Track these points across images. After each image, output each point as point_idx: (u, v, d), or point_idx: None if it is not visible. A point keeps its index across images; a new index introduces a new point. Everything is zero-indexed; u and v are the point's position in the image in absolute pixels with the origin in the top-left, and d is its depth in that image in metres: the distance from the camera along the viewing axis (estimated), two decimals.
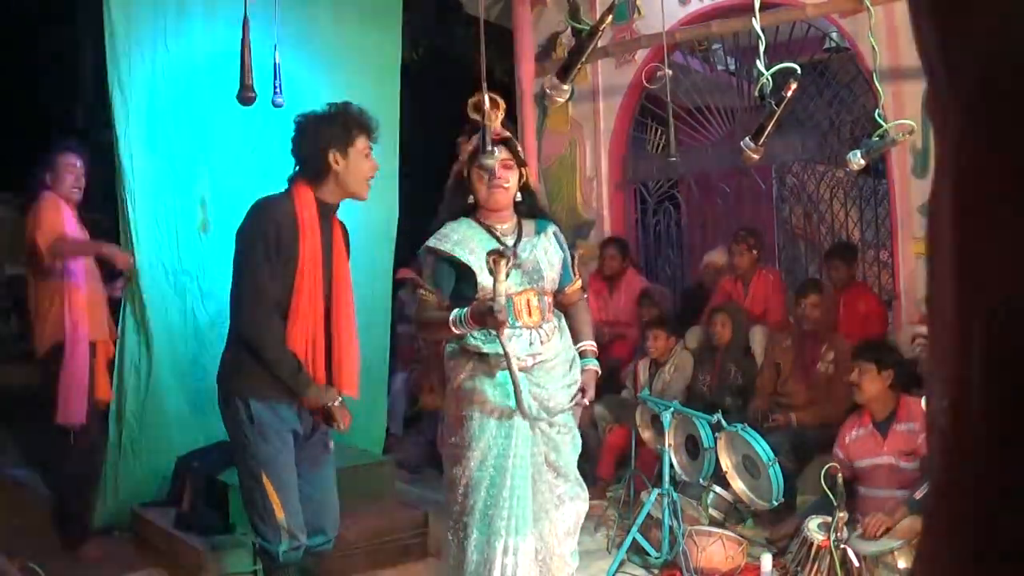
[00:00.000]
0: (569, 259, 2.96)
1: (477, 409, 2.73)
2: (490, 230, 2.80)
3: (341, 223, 3.00)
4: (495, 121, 2.71)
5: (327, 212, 2.88)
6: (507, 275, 2.62)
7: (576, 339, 2.95)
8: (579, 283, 3.02)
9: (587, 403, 2.91)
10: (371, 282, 5.13)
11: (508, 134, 2.78)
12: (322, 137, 2.81)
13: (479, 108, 2.72)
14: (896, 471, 3.70)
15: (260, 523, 2.79)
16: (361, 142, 2.84)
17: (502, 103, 2.76)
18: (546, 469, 2.79)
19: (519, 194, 2.84)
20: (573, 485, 2.86)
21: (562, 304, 2.96)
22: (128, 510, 4.24)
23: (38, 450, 4.79)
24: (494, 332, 2.64)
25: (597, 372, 2.95)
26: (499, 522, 2.66)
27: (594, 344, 2.99)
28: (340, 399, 2.80)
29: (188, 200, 4.43)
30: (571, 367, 2.84)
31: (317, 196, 2.83)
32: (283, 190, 2.89)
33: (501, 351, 2.67)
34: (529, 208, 2.90)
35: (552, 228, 2.90)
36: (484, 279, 2.68)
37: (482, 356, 2.74)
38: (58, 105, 10.19)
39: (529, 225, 2.88)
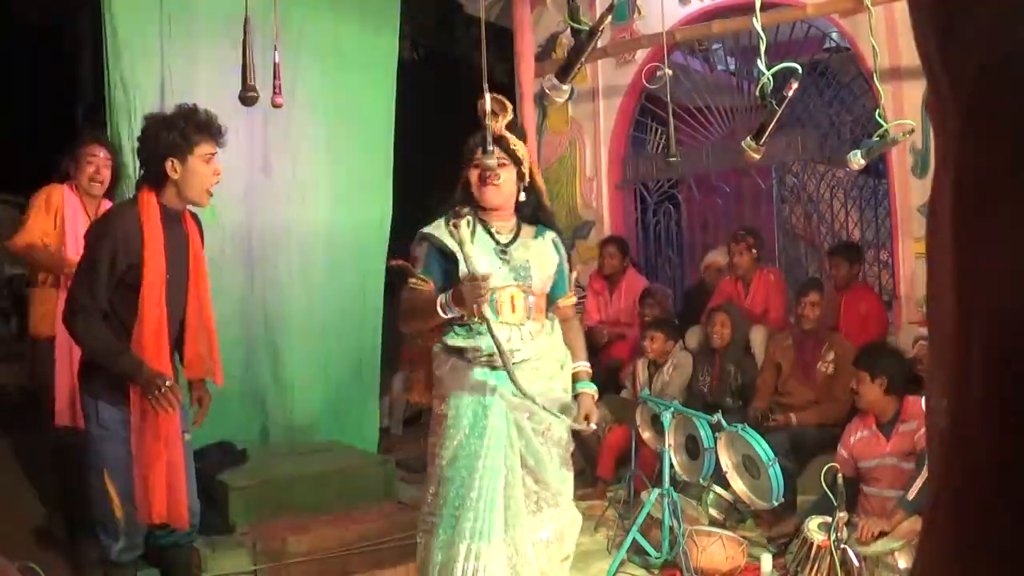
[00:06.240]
0: (566, 270, 2.89)
1: (453, 406, 2.68)
2: (486, 226, 2.78)
3: (195, 219, 3.00)
4: (502, 122, 2.70)
5: (174, 216, 2.87)
6: (473, 237, 2.61)
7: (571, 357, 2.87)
8: (573, 299, 2.94)
9: (592, 427, 2.82)
10: (362, 282, 5.14)
11: (504, 133, 2.73)
12: (160, 143, 2.77)
13: (490, 110, 2.71)
14: (899, 471, 3.71)
15: (98, 521, 2.83)
16: (202, 149, 2.80)
17: (509, 105, 2.75)
18: (523, 473, 2.69)
19: (522, 195, 2.80)
20: (554, 495, 2.74)
21: (556, 317, 2.89)
22: None
23: (36, 449, 4.79)
24: (473, 324, 2.61)
25: (594, 396, 2.84)
26: (464, 524, 2.58)
27: (588, 366, 2.89)
28: (168, 382, 2.75)
29: None
30: (561, 368, 2.78)
31: (162, 202, 2.82)
32: (131, 196, 2.90)
33: (476, 345, 2.64)
34: (533, 211, 2.85)
35: (552, 235, 2.85)
36: (471, 266, 2.62)
37: (460, 352, 2.70)
38: (58, 105, 10.19)
39: (529, 229, 2.84)
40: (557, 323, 2.85)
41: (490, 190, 2.73)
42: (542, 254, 2.78)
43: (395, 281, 5.22)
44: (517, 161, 2.75)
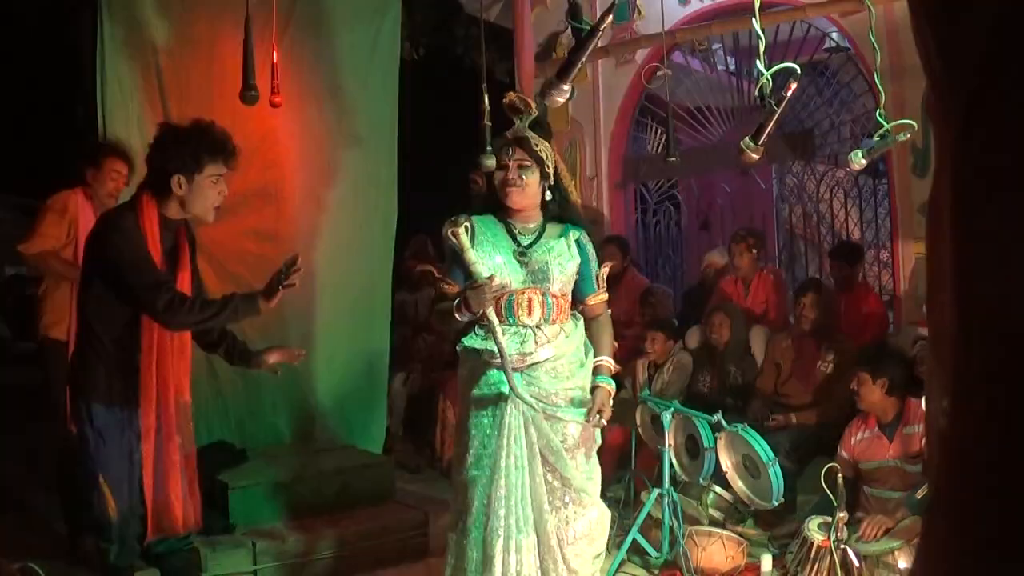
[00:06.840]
0: (593, 269, 2.86)
1: (473, 408, 2.72)
2: (510, 228, 2.77)
3: (188, 232, 2.99)
4: (525, 121, 2.70)
5: (171, 226, 2.86)
6: (473, 241, 2.63)
7: (592, 354, 2.86)
8: (602, 296, 2.89)
9: (604, 423, 2.78)
10: (369, 282, 5.13)
11: (524, 134, 2.71)
12: (169, 158, 2.75)
13: (514, 108, 2.70)
14: (903, 473, 3.71)
15: (95, 524, 2.84)
16: (210, 169, 2.78)
17: (532, 103, 2.74)
18: (544, 469, 2.71)
19: (547, 194, 2.78)
20: (577, 492, 2.74)
21: (584, 315, 2.89)
22: None
23: (39, 450, 4.79)
24: (486, 327, 2.61)
25: (610, 391, 2.80)
26: (496, 520, 2.62)
27: (610, 361, 2.86)
28: (282, 273, 2.74)
29: None
30: (581, 369, 2.77)
31: (161, 212, 2.80)
32: (129, 200, 2.87)
33: (488, 347, 2.65)
34: (559, 210, 2.83)
35: (576, 234, 2.82)
36: (475, 271, 2.63)
37: (477, 354, 2.72)
38: (58, 106, 10.19)
39: (554, 228, 2.81)
40: (581, 323, 2.85)
41: (514, 192, 2.72)
42: (562, 255, 2.76)
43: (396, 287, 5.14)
44: (540, 161, 2.73)
